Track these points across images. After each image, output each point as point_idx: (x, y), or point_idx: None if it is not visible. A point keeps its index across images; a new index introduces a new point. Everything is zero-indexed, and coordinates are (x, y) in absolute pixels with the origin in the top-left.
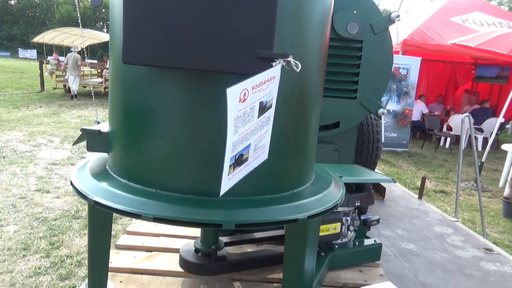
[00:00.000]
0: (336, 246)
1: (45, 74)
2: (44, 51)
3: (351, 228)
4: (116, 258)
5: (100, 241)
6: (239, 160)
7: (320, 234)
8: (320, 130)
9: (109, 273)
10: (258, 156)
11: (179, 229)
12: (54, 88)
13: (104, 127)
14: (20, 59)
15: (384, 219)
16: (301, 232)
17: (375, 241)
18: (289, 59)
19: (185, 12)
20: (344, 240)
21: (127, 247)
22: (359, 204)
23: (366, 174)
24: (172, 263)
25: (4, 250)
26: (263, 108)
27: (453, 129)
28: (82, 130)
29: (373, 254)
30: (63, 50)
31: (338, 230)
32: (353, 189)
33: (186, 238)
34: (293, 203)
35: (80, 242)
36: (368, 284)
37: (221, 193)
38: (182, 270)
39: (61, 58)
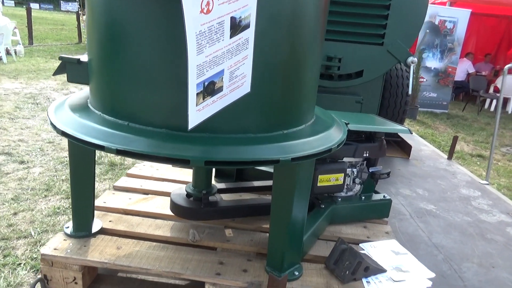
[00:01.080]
0: (339, 199)
1: (82, 26)
2: (80, 2)
3: (357, 180)
4: (111, 199)
5: (81, 178)
6: (210, 89)
7: (320, 184)
8: (342, 79)
9: (100, 212)
10: (237, 87)
11: (181, 173)
12: None
13: (85, 56)
14: (62, 12)
15: (405, 178)
16: (289, 176)
17: (384, 196)
18: None
19: None
20: (350, 193)
21: (125, 189)
22: (367, 155)
23: (379, 123)
24: (165, 206)
25: (28, 190)
26: (236, 26)
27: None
28: (60, 58)
29: (381, 210)
30: None
31: (340, 182)
32: (362, 138)
33: (187, 183)
34: (278, 143)
35: (99, 186)
36: (370, 241)
37: (190, 126)
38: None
39: None
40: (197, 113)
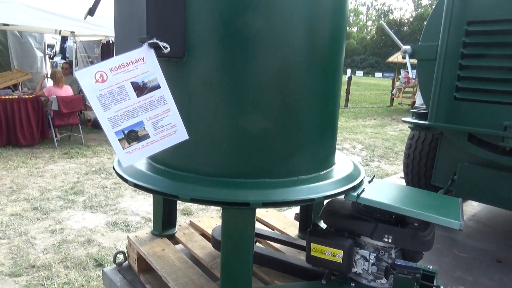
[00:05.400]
0: (352, 284)
1: (393, 91)
2: (397, 68)
3: (374, 269)
4: (205, 221)
5: (155, 199)
6: (132, 136)
7: (314, 254)
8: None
9: (187, 225)
10: (168, 135)
11: (277, 221)
12: (399, 103)
13: None
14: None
15: None
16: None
17: None
18: (154, 41)
19: None
20: (373, 283)
21: None
22: (389, 240)
23: (429, 207)
24: None
25: None
26: (142, 88)
27: None
28: None
29: None
30: None
31: (339, 260)
32: (390, 219)
33: (274, 228)
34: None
35: None
36: None
37: (124, 165)
38: None
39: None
40: (127, 155)
